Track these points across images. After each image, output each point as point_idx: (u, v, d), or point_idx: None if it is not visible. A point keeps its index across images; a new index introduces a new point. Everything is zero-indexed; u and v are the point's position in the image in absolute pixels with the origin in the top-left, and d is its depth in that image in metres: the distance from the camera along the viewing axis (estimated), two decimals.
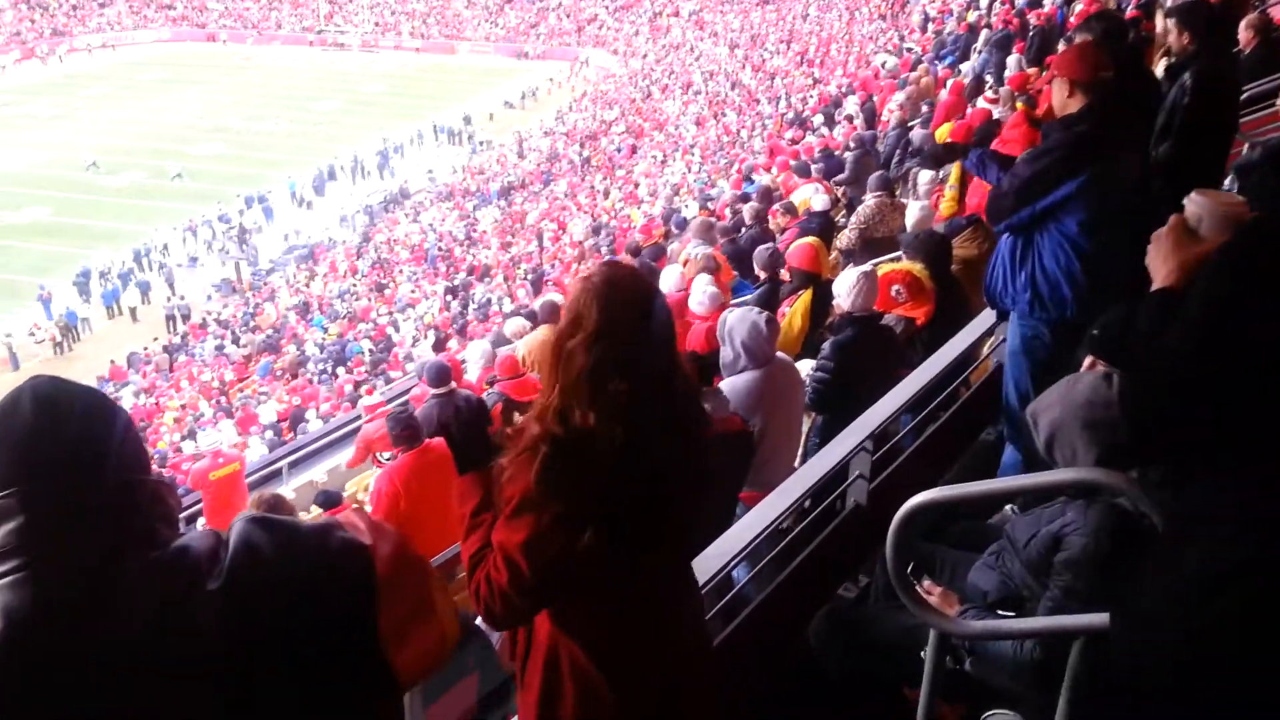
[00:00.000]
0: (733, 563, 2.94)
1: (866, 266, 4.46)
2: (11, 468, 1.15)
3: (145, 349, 22.62)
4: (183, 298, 25.49)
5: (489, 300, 19.95)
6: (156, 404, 18.77)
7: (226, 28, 58.69)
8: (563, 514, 1.66)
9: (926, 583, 2.68)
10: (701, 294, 5.55)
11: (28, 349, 22.89)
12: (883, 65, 18.07)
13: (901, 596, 2.23)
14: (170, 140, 37.75)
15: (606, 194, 25.34)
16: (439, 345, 16.29)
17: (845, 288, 4.26)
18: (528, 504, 1.67)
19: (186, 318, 24.53)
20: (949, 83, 12.83)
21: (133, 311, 25.26)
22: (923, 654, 2.33)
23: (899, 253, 6.72)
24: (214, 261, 27.67)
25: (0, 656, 1.06)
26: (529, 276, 19.97)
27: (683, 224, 11.07)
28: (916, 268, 4.76)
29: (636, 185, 24.74)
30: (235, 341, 21.55)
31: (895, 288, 4.61)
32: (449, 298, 21.02)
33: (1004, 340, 4.53)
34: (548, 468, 1.66)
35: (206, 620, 1.11)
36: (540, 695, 1.82)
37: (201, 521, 8.41)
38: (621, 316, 1.69)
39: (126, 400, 19.51)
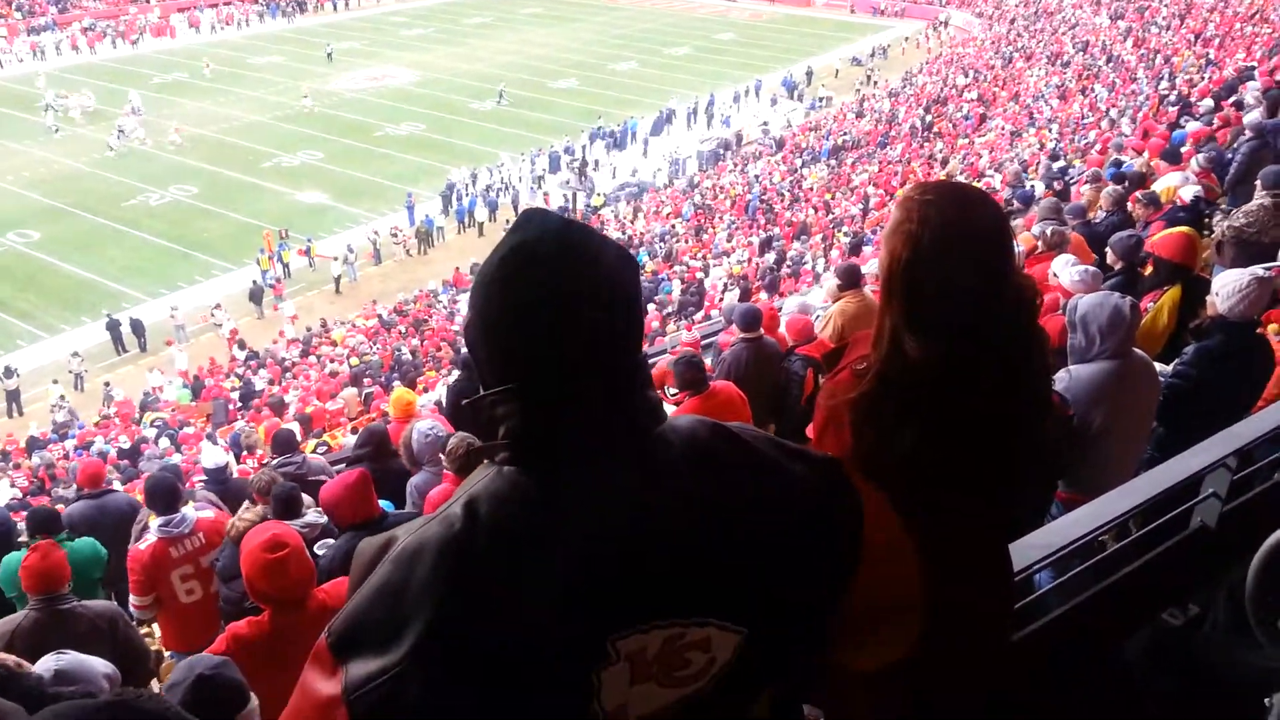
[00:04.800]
0: (1040, 565, 2.70)
1: (1261, 270, 3.84)
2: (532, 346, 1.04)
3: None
4: None
5: (804, 258, 19.82)
6: None
7: None
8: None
9: None
10: (1075, 270, 5.03)
11: (388, 248, 25.90)
12: None
13: (1260, 634, 1.94)
14: (534, 73, 40.77)
15: (945, 163, 24.11)
16: (744, 296, 16.48)
17: (1229, 289, 3.70)
18: None
19: None
20: None
21: (480, 226, 27.70)
22: (1267, 701, 2.03)
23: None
24: (555, 190, 29.63)
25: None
26: (848, 239, 19.58)
27: (1027, 199, 10.28)
28: None
29: (979, 157, 23.34)
30: None
31: None
32: (763, 251, 21.12)
33: None
34: (868, 404, 1.52)
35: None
36: None
37: None
38: (945, 228, 1.49)
39: (462, 305, 21.64)
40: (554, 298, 1.02)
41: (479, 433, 1.10)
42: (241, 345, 20.74)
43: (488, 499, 1.05)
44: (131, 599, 4.78)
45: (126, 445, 14.41)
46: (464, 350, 14.08)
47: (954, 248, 1.48)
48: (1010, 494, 1.71)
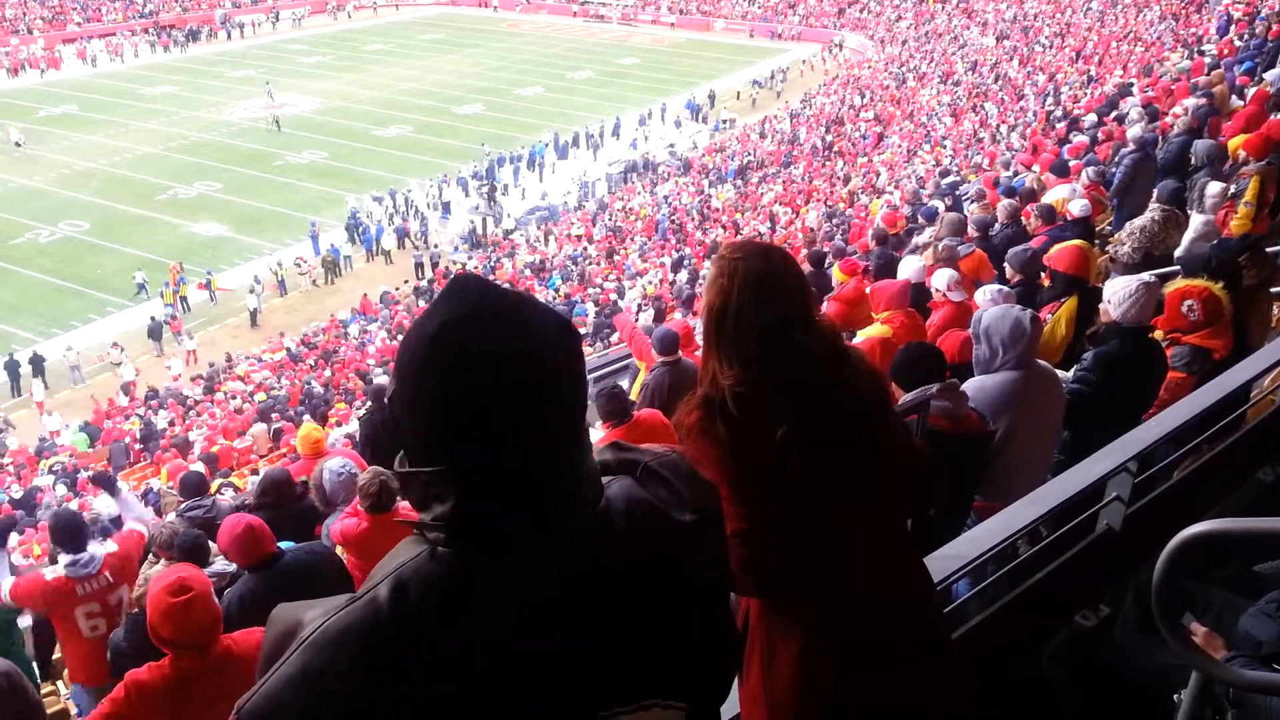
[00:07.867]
0: (957, 575, 2.76)
1: (1147, 276, 4.03)
2: (468, 424, 0.96)
3: (396, 289, 24.43)
4: (434, 246, 27.29)
5: None
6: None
7: None
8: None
9: (1190, 622, 2.42)
10: (988, 289, 5.11)
11: (293, 279, 25.30)
12: (1174, 66, 16.52)
13: (1165, 633, 2.02)
14: (439, 99, 40.45)
15: (846, 181, 24.75)
16: (659, 316, 16.58)
17: (1120, 296, 3.87)
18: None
19: (435, 265, 26.23)
20: (1249, 91, 11.53)
21: (387, 255, 27.29)
22: (1176, 697, 2.11)
23: (1174, 268, 6.11)
24: (464, 215, 29.41)
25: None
26: None
27: (931, 216, 10.61)
28: (1216, 286, 4.14)
29: (878, 175, 24.02)
30: None
31: (1188, 303, 4.07)
32: (675, 271, 21.29)
33: None
34: (700, 423, 1.76)
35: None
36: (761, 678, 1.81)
37: None
38: (747, 281, 1.78)
39: (376, 334, 21.26)
40: (489, 380, 0.95)
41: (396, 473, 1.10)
42: (126, 391, 19.96)
43: (419, 583, 0.96)
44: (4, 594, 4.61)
45: (19, 494, 13.70)
46: (374, 380, 13.79)
47: (755, 296, 1.78)
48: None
